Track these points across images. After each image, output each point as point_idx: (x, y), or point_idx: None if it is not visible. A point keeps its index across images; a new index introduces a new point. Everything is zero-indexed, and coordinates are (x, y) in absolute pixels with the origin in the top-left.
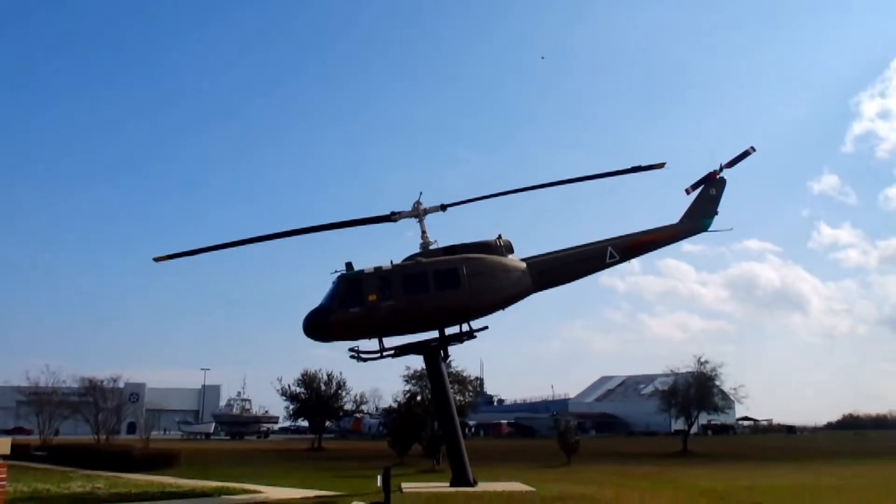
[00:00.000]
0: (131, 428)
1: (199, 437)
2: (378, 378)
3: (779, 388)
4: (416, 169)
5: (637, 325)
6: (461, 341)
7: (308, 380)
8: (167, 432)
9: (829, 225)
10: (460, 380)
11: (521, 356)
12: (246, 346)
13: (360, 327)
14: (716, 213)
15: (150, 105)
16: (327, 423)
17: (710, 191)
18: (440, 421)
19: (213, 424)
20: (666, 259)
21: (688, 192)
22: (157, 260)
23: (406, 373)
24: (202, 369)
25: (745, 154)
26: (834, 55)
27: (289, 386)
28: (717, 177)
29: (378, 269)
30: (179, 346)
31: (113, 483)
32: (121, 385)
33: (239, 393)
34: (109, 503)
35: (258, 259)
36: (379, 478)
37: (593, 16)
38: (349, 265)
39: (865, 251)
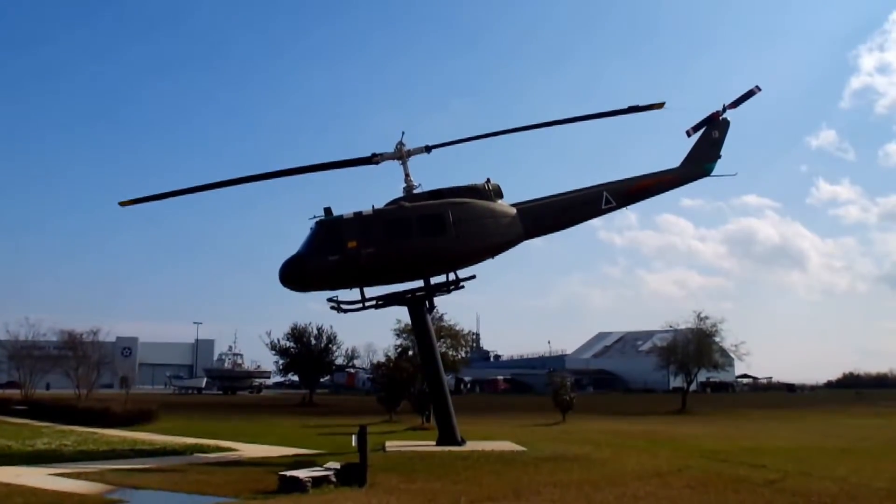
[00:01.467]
0: (124, 383)
1: (190, 391)
2: (373, 332)
3: (778, 346)
4: (400, 111)
5: (635, 280)
6: (448, 291)
7: (298, 334)
8: (165, 386)
9: (828, 181)
10: (453, 334)
11: (518, 312)
12: (237, 298)
13: (339, 276)
14: (719, 157)
15: (120, 43)
16: (322, 379)
17: (712, 133)
18: (426, 376)
19: (205, 379)
20: (664, 214)
21: (689, 133)
22: (122, 204)
23: (397, 326)
24: (194, 323)
25: (749, 94)
26: (830, 7)
27: (278, 340)
28: (721, 118)
29: (358, 215)
30: (169, 299)
31: (84, 439)
32: (102, 338)
33: (230, 347)
34: (73, 461)
35: (240, 206)
36: (354, 437)
37: None
38: (328, 210)
39: (865, 208)
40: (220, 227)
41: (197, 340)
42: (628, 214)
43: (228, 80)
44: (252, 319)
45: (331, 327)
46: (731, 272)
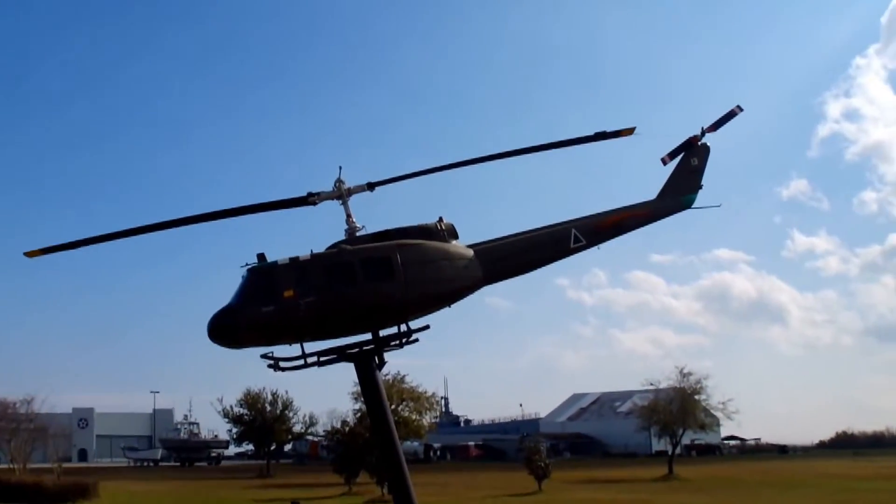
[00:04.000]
0: (83, 455)
1: (146, 464)
2: (336, 397)
3: (764, 405)
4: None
5: (608, 340)
6: (400, 345)
7: (251, 400)
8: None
9: (803, 232)
10: (415, 396)
11: (489, 374)
12: (193, 363)
13: (275, 329)
14: (700, 187)
15: None
16: (285, 448)
17: (690, 160)
18: (377, 442)
19: (161, 451)
20: (634, 271)
21: (664, 161)
22: (28, 255)
23: (354, 389)
24: (151, 392)
25: (730, 115)
26: (794, 54)
27: (231, 407)
28: (699, 143)
29: (294, 260)
30: (127, 368)
31: None
32: (58, 409)
33: (186, 416)
34: None
35: (166, 255)
36: None
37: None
38: (261, 256)
39: (845, 259)
40: (156, 281)
41: (155, 410)
42: (597, 273)
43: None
44: (210, 386)
45: (286, 392)
46: (707, 329)
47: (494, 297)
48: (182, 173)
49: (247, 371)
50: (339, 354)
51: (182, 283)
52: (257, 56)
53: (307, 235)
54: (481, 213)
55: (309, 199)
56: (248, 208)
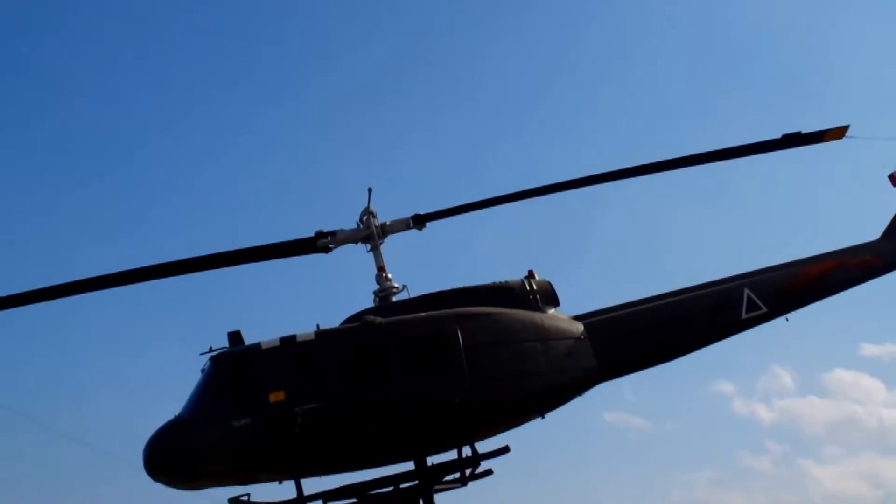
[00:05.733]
0: None
1: None
2: None
3: None
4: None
5: (797, 476)
6: (462, 481)
7: None
8: None
9: None
10: None
11: None
12: None
13: (254, 457)
14: None
15: None
16: None
17: None
18: None
19: None
20: (835, 370)
21: (893, 180)
22: None
23: None
24: None
25: None
26: None
27: None
28: None
29: (288, 343)
30: None
31: None
32: None
33: None
34: None
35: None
36: None
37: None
38: (235, 336)
39: None
40: None
41: None
42: (779, 373)
43: None
44: None
45: None
46: None
47: (618, 412)
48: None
49: None
50: (361, 499)
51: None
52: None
53: (314, 303)
54: (594, 265)
55: (318, 243)
56: (218, 258)
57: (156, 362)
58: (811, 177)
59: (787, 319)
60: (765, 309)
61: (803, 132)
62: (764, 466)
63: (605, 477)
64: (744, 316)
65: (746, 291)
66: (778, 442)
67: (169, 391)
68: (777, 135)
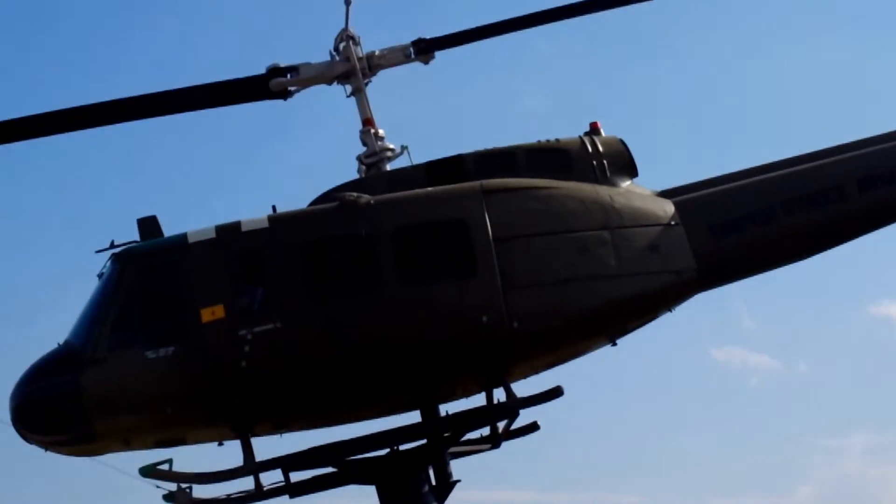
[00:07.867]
0: None
1: None
2: None
3: None
4: None
5: None
6: (493, 441)
7: None
8: None
9: None
10: None
11: None
12: None
13: (176, 405)
14: None
15: None
16: None
17: None
18: None
19: None
20: None
21: None
22: None
23: None
24: None
25: None
26: None
27: None
28: None
29: (227, 232)
30: None
31: None
32: None
33: None
34: None
35: None
36: None
37: None
38: (148, 221)
39: None
40: None
41: None
42: None
43: None
44: None
45: None
46: None
47: (732, 346)
48: None
49: None
50: (341, 468)
51: None
52: None
53: (266, 174)
54: (686, 121)
55: (272, 83)
56: (121, 107)
57: (32, 265)
58: None
59: None
60: None
61: None
62: None
63: (712, 442)
64: None
65: None
66: None
67: (51, 306)
68: None
